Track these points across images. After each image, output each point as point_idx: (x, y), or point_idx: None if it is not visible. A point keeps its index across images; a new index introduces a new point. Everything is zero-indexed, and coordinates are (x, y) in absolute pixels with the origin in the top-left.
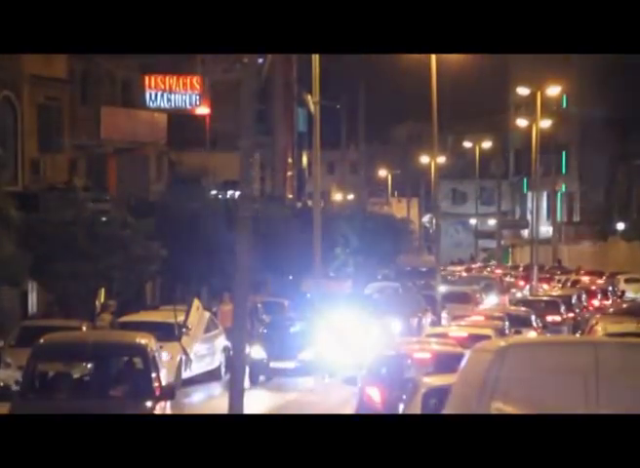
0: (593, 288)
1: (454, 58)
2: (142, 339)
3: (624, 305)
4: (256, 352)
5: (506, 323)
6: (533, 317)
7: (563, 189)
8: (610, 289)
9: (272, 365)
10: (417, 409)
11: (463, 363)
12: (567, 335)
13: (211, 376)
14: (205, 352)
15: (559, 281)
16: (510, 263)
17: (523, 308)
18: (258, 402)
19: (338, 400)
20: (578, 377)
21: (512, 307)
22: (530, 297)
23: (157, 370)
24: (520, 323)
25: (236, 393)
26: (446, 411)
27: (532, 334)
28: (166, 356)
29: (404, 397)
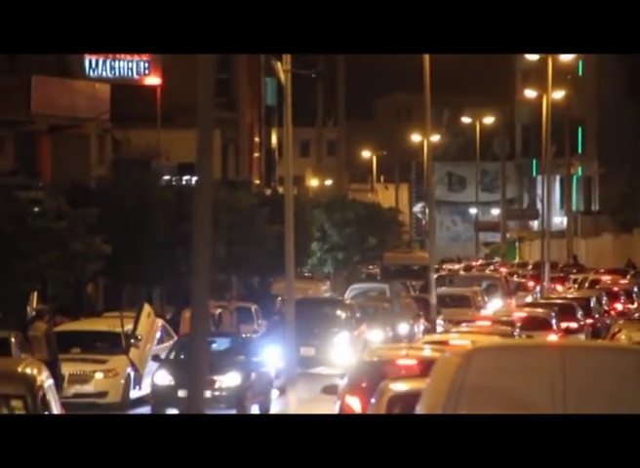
0: (616, 289)
1: None
2: (27, 369)
3: None
4: (160, 377)
5: (517, 328)
6: (553, 319)
7: (579, 172)
8: (635, 290)
9: (181, 394)
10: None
11: (433, 367)
12: (535, 339)
13: None
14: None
15: (575, 281)
16: (517, 260)
17: (540, 309)
18: None
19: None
20: (544, 382)
21: (527, 308)
22: (541, 300)
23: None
24: (538, 326)
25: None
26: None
27: (552, 338)
28: (99, 376)
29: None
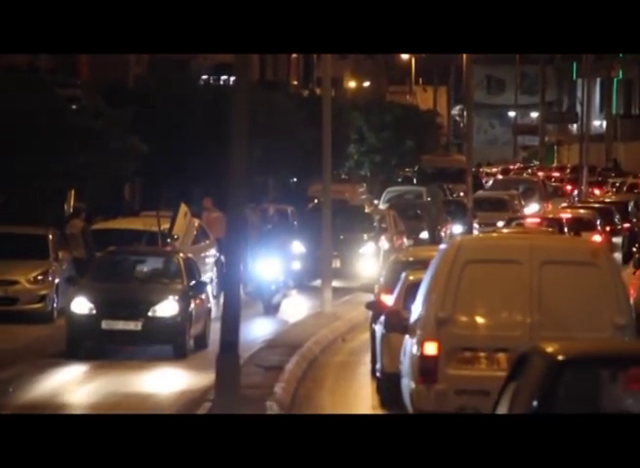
0: None
1: None
2: None
3: None
4: (78, 305)
5: (565, 227)
6: (597, 220)
7: (620, 75)
8: None
9: (105, 325)
10: (400, 299)
11: (436, 254)
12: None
13: None
14: None
15: (613, 185)
16: (555, 164)
17: (583, 210)
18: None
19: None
20: (517, 256)
21: (569, 210)
22: (578, 204)
23: None
24: (582, 226)
25: (230, 316)
26: (419, 293)
27: (596, 239)
28: None
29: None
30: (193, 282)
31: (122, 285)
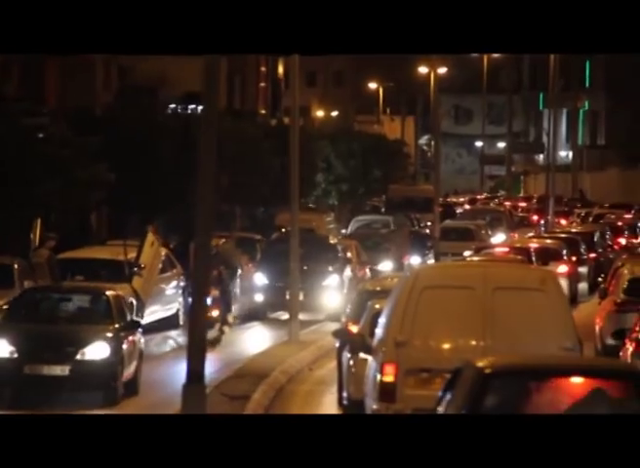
0: (620, 223)
1: None
2: None
3: None
4: None
5: (533, 257)
6: (564, 250)
7: (586, 107)
8: (639, 225)
9: (28, 370)
10: (366, 326)
11: (397, 282)
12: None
13: (167, 324)
14: (161, 296)
15: (579, 215)
16: (522, 194)
17: (549, 240)
18: None
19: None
20: (470, 282)
21: (536, 239)
22: (545, 234)
23: None
24: (548, 256)
25: (195, 347)
26: (380, 318)
27: (562, 269)
28: None
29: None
30: (124, 321)
31: (47, 325)
